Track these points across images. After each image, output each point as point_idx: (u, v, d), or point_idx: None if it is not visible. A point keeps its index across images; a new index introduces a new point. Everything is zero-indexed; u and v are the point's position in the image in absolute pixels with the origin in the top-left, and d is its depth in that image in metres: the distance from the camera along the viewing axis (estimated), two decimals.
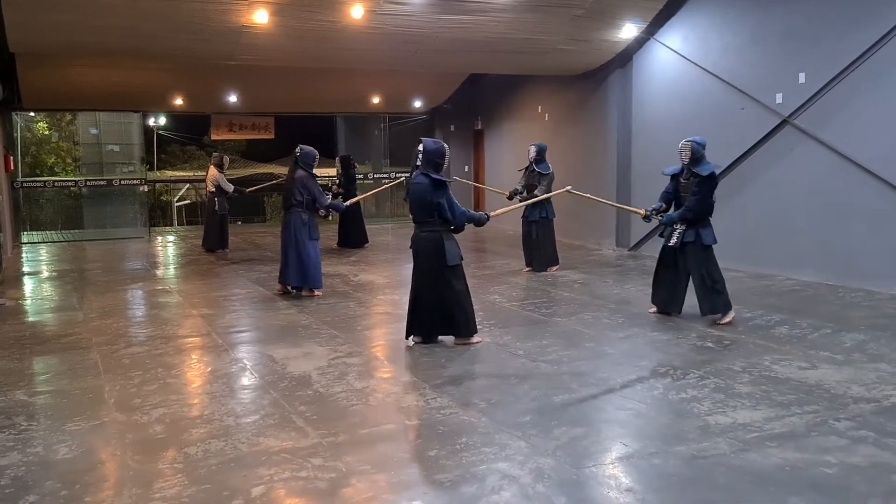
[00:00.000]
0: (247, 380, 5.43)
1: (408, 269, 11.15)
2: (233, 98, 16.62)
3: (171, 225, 21.75)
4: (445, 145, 6.26)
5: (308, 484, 3.58)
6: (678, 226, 6.89)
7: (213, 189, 13.28)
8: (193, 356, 6.16)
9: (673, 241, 6.91)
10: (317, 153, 8.79)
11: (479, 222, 6.42)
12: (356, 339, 6.68)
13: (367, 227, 14.00)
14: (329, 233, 13.62)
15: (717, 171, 6.96)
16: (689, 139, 6.89)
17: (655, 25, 11.34)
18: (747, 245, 9.84)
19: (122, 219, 17.91)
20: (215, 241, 13.26)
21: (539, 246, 10.21)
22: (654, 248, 11.57)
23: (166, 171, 26.58)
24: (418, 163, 6.13)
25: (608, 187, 12.63)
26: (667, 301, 7.16)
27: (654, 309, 7.28)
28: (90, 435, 4.31)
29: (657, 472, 3.69)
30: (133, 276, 10.83)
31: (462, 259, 6.26)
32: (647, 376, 5.30)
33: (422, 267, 6.23)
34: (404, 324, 7.31)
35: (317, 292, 8.59)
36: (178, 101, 16.83)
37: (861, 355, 5.73)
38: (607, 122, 12.69)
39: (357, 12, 9.61)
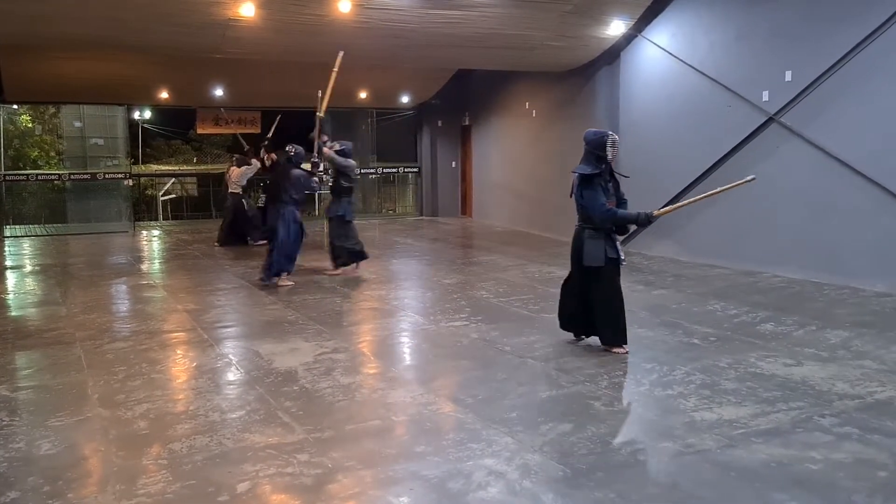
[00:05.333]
0: (232, 375, 5.40)
1: (395, 264, 11.19)
2: (219, 92, 16.50)
3: (157, 219, 21.58)
4: (610, 134, 5.69)
5: (294, 480, 3.55)
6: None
7: (238, 189, 13.43)
8: (178, 351, 6.12)
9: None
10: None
11: (637, 222, 5.70)
12: (343, 334, 6.65)
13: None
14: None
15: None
16: None
17: (643, 22, 11.35)
18: (733, 242, 9.89)
19: (106, 213, 17.76)
20: (256, 234, 13.19)
21: (333, 246, 9.87)
22: (641, 244, 11.66)
23: (151, 165, 26.38)
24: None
25: None
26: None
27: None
28: (73, 430, 4.26)
29: (643, 467, 3.70)
30: (117, 270, 10.74)
31: (607, 262, 5.67)
32: (634, 372, 5.31)
33: (572, 264, 6.00)
34: (391, 319, 7.35)
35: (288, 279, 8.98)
36: (164, 95, 16.69)
37: (846, 352, 5.76)
38: (595, 119, 12.68)
39: (345, 6, 9.56)
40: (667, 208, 6.04)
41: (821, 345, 5.99)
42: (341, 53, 9.19)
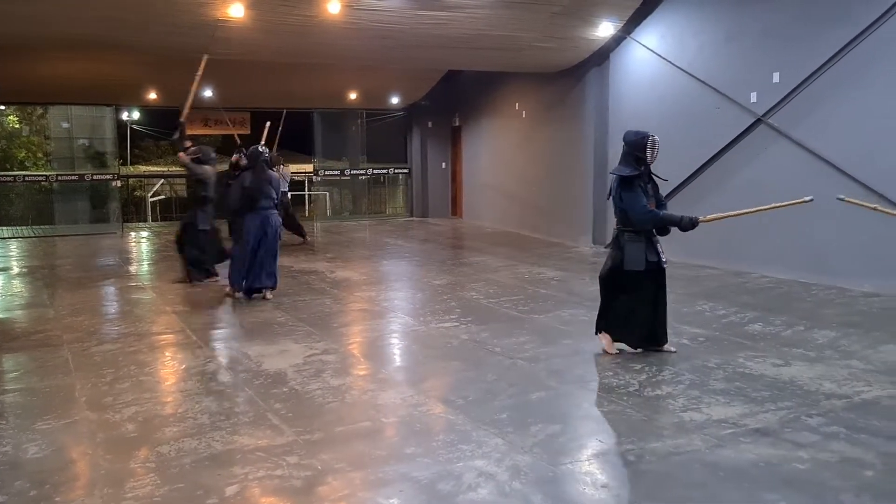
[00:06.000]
0: (221, 377, 5.37)
1: (385, 266, 11.18)
2: (208, 93, 16.43)
3: (145, 221, 21.47)
4: (651, 135, 5.49)
5: (283, 482, 3.54)
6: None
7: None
8: (167, 353, 6.09)
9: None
10: None
11: (681, 225, 5.48)
12: (332, 336, 6.63)
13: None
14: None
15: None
16: None
17: (632, 24, 11.39)
18: (722, 242, 9.92)
19: (94, 214, 17.67)
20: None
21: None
22: None
23: (140, 167, 26.24)
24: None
25: (585, 185, 12.70)
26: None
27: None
28: (60, 434, 4.24)
29: (633, 468, 3.70)
30: (105, 272, 10.68)
31: (646, 267, 5.54)
32: (623, 373, 5.31)
33: (606, 265, 5.82)
34: (381, 321, 7.34)
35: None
36: (152, 96, 16.62)
37: (833, 352, 5.80)
38: (584, 120, 12.74)
39: (334, 7, 9.55)
40: (714, 216, 5.65)
41: (808, 345, 6.02)
42: (205, 58, 9.21)
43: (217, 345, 6.35)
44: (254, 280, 8.19)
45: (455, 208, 18.89)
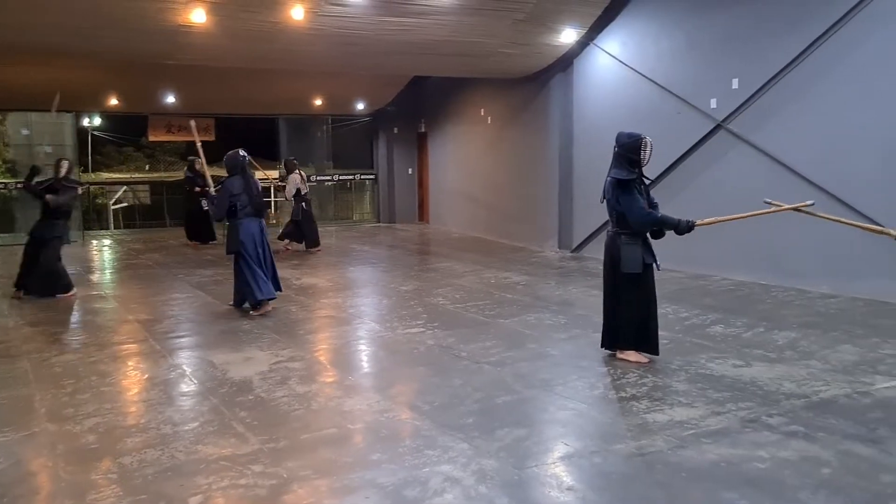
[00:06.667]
0: (185, 386, 5.32)
1: (351, 272, 11.14)
2: (171, 98, 16.27)
3: (108, 228, 21.15)
4: (645, 137, 5.47)
5: (248, 491, 3.52)
6: None
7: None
8: (129, 363, 6.00)
9: None
10: None
11: (678, 228, 5.46)
12: (299, 343, 6.60)
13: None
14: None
15: None
16: None
17: (595, 31, 11.52)
18: (684, 246, 10.01)
19: None
20: (311, 239, 13.24)
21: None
22: (596, 250, 11.77)
23: (102, 173, 25.85)
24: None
25: (551, 189, 12.79)
26: None
27: None
28: (19, 446, 4.16)
29: (597, 470, 3.74)
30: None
31: (644, 269, 5.53)
32: (589, 376, 5.37)
33: (604, 270, 5.78)
34: (348, 327, 7.32)
35: None
36: (114, 101, 16.39)
37: (793, 352, 5.92)
38: (549, 125, 12.84)
39: (298, 13, 9.52)
40: (711, 219, 5.62)
41: (769, 346, 6.13)
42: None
43: (181, 353, 6.28)
44: (278, 285, 8.05)
45: (422, 214, 18.91)
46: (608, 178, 5.63)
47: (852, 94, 8.17)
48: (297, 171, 13.31)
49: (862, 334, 6.46)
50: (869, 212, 7.76)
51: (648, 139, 5.49)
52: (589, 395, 4.95)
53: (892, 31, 7.77)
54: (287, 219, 13.90)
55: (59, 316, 8.14)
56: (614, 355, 5.79)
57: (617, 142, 5.60)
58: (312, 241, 13.25)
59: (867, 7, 7.96)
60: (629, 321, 5.62)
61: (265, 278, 7.82)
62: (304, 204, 13.21)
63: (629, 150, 5.50)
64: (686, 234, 5.52)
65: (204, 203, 8.41)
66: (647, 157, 5.50)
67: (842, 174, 8.23)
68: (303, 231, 13.24)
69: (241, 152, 7.96)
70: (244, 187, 7.77)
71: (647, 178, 5.82)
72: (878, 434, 4.14)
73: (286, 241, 13.22)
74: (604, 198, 5.72)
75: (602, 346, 5.85)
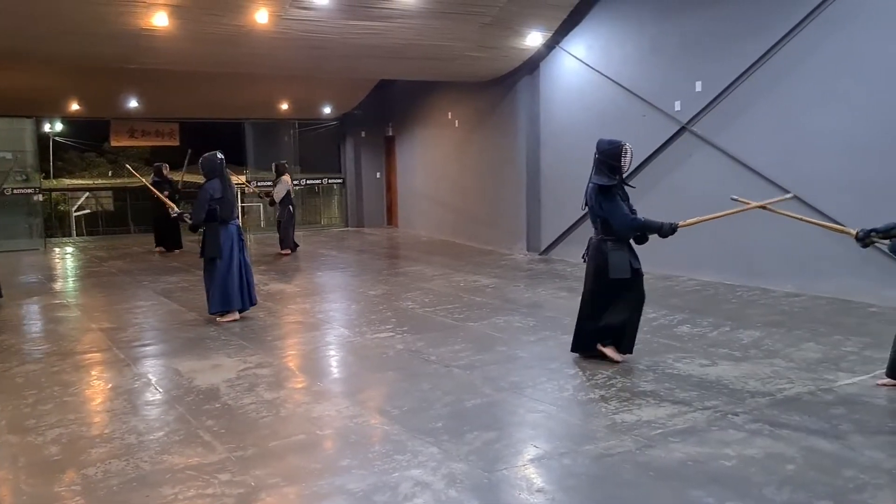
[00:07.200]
0: (151, 395, 5.24)
1: (319, 277, 11.08)
2: (134, 103, 16.04)
3: (70, 236, 20.76)
4: (625, 144, 5.52)
5: (215, 500, 3.47)
6: None
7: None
8: (93, 373, 5.89)
9: None
10: None
11: (661, 231, 5.52)
12: (267, 349, 6.54)
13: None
14: None
15: None
16: None
17: (560, 34, 11.60)
18: (651, 247, 10.08)
19: (14, 230, 16.97)
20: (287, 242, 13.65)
21: None
22: (564, 252, 11.87)
23: (64, 180, 25.38)
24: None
25: (519, 192, 12.84)
26: None
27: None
28: None
29: (567, 471, 3.76)
30: (27, 290, 10.26)
31: (632, 274, 5.57)
32: (558, 378, 5.39)
33: (587, 276, 5.75)
34: (316, 332, 7.26)
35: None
36: (75, 107, 16.13)
37: (757, 351, 6.00)
38: (517, 128, 12.90)
39: (262, 17, 9.45)
40: (693, 220, 5.67)
41: (734, 345, 6.22)
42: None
43: (146, 362, 6.18)
44: (253, 297, 7.82)
45: (390, 218, 18.87)
46: (589, 185, 5.64)
47: (812, 97, 8.33)
48: (288, 174, 13.69)
49: (825, 332, 6.58)
50: (830, 212, 7.90)
51: (629, 146, 5.54)
52: (558, 397, 4.97)
53: (848, 33, 7.94)
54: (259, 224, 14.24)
55: (20, 326, 7.97)
56: (585, 357, 5.81)
57: (598, 148, 5.62)
58: (283, 243, 13.61)
59: (825, 11, 8.12)
60: (616, 322, 5.60)
61: (239, 287, 7.64)
62: (290, 207, 13.62)
63: (609, 157, 5.53)
64: (666, 237, 5.59)
65: (172, 212, 8.22)
66: (627, 163, 5.56)
67: (803, 175, 8.38)
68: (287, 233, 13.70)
69: (219, 155, 7.73)
70: (223, 191, 7.58)
71: (630, 185, 5.83)
72: (841, 430, 4.22)
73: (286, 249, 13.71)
74: (585, 204, 5.73)
75: (572, 350, 5.87)
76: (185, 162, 13.17)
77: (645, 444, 4.05)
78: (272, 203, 13.96)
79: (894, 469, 3.67)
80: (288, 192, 13.50)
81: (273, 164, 14.27)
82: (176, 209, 8.47)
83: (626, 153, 5.52)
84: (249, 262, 7.85)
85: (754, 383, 5.13)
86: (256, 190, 16.24)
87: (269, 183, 14.65)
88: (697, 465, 3.76)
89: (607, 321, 5.64)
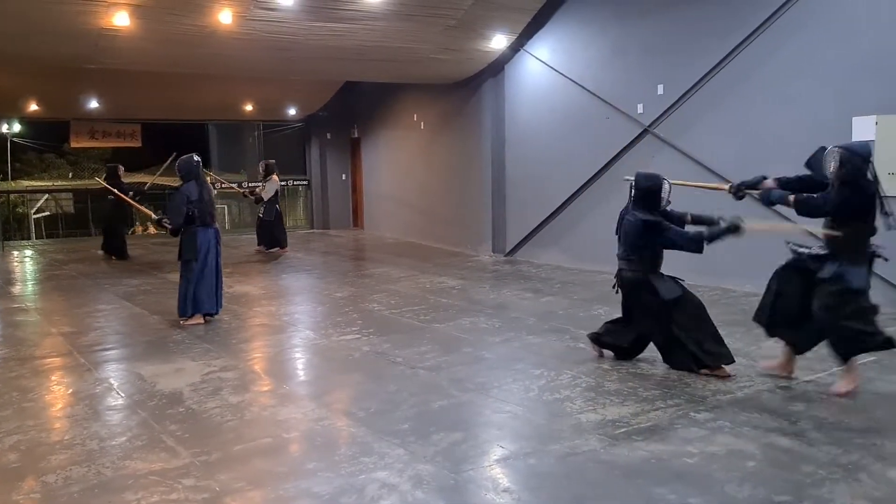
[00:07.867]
0: (112, 400, 5.15)
1: (285, 279, 11.00)
2: (94, 104, 15.77)
3: (29, 238, 20.36)
4: (662, 178, 5.56)
5: None
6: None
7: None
8: (53, 378, 5.78)
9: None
10: None
11: (728, 231, 5.46)
12: (231, 352, 6.47)
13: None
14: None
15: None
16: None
17: (525, 37, 11.68)
18: (614, 249, 10.26)
19: None
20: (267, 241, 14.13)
21: None
22: (529, 254, 11.95)
23: (22, 181, 24.87)
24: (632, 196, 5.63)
25: (484, 193, 12.89)
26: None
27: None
28: None
29: (533, 471, 3.79)
30: None
31: (678, 293, 5.60)
32: (523, 378, 5.42)
33: (637, 304, 5.73)
34: (282, 335, 7.21)
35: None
36: (33, 107, 15.81)
37: None
38: (482, 130, 12.95)
39: (226, 17, 9.36)
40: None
41: None
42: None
43: (108, 366, 6.08)
44: (220, 301, 7.69)
45: (356, 219, 18.82)
46: (629, 217, 5.64)
47: (769, 100, 8.49)
48: (276, 173, 14.04)
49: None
50: (787, 212, 8.04)
51: (667, 182, 5.58)
52: (524, 398, 5.00)
53: (804, 39, 8.11)
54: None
55: None
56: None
57: (636, 185, 5.65)
58: (280, 242, 14.14)
59: (783, 16, 8.29)
60: (702, 337, 5.50)
61: (211, 292, 7.56)
62: (277, 206, 14.00)
63: (648, 194, 5.59)
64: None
65: (150, 218, 8.22)
66: (666, 198, 5.61)
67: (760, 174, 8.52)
68: (274, 232, 14.07)
69: (196, 157, 7.62)
70: (200, 193, 7.47)
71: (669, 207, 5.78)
72: (799, 426, 4.31)
73: (276, 248, 14.05)
74: (618, 231, 5.79)
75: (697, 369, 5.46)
76: (163, 166, 13.03)
77: (609, 442, 4.10)
78: (258, 201, 14.14)
79: (850, 464, 3.77)
80: (276, 192, 13.86)
81: (262, 164, 14.56)
82: (154, 215, 8.38)
83: (664, 190, 5.58)
84: (220, 266, 7.74)
85: (716, 382, 5.22)
86: (246, 191, 16.41)
87: (257, 184, 14.98)
88: (661, 463, 3.82)
89: (699, 341, 5.47)
